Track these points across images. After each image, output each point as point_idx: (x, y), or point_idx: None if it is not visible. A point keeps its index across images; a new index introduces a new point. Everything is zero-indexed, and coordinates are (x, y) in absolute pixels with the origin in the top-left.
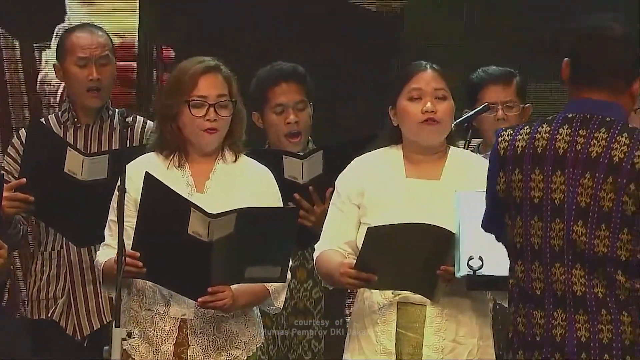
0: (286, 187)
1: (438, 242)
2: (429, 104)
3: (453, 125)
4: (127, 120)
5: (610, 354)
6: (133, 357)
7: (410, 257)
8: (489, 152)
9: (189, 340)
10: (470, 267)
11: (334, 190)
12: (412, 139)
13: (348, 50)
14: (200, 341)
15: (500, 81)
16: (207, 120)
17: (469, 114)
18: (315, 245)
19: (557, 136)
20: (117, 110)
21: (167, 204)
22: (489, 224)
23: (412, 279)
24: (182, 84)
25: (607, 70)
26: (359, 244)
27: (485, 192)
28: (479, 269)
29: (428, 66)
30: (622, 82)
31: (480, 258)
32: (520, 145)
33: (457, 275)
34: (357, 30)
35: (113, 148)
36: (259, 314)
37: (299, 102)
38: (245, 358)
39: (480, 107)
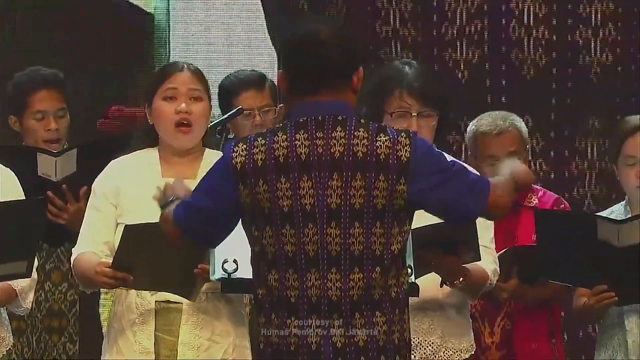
0: (39, 184)
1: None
2: (183, 105)
3: (208, 127)
4: None
5: (367, 356)
6: None
7: (167, 256)
8: None
9: None
10: (225, 270)
11: (87, 189)
12: (167, 141)
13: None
14: None
15: (252, 87)
16: None
17: (222, 118)
18: (72, 249)
19: (296, 142)
20: None
21: None
22: (193, 230)
23: (170, 279)
24: None
25: (322, 74)
26: (117, 244)
27: (200, 197)
28: (234, 272)
29: (185, 67)
30: (341, 81)
31: (235, 261)
32: (259, 158)
33: (212, 278)
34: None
35: None
36: (7, 317)
37: (60, 109)
38: None
39: (234, 110)
